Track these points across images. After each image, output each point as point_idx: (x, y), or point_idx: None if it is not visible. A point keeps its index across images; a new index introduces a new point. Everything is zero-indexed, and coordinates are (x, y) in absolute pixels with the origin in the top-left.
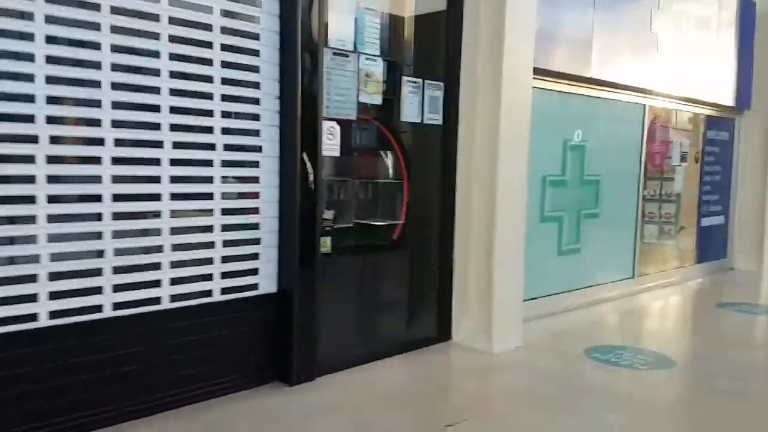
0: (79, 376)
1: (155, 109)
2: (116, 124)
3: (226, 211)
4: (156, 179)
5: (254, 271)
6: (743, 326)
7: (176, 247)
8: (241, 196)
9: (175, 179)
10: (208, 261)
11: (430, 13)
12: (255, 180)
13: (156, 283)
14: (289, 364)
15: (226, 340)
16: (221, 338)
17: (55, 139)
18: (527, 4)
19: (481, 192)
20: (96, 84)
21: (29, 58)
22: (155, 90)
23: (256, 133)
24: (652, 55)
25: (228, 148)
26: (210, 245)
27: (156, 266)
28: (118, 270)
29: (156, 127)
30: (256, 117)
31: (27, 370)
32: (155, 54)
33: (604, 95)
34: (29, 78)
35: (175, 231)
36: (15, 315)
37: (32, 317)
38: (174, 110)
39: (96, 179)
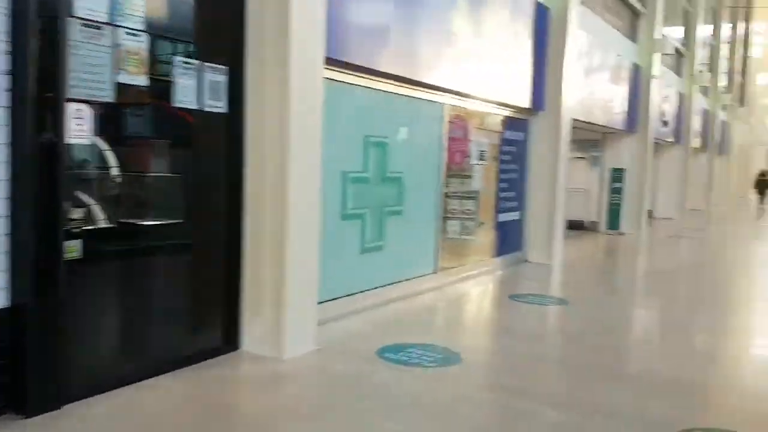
0: None
1: None
2: None
3: None
4: None
5: None
6: (532, 318)
7: None
8: None
9: None
10: None
11: None
12: None
13: None
14: (25, 393)
15: None
16: None
17: None
18: None
19: (273, 187)
20: None
21: None
22: None
23: None
24: (452, 55)
25: None
26: None
27: None
28: None
29: None
30: None
31: None
32: None
33: (404, 92)
34: None
35: None
36: None
37: None
38: None
39: None
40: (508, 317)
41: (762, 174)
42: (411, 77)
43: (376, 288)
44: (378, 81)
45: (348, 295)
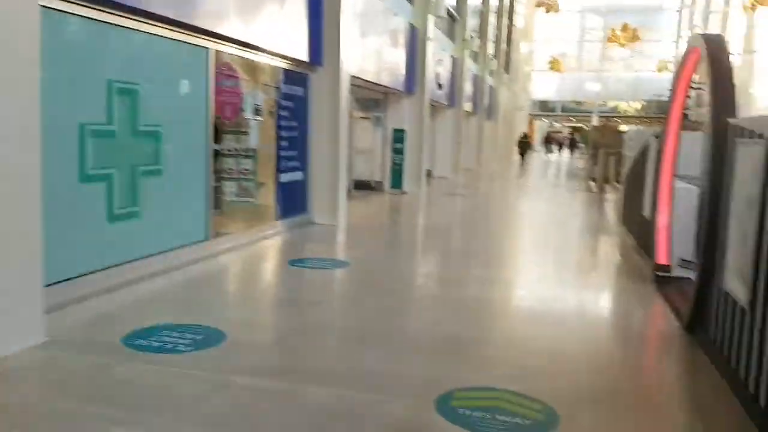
0: None
1: None
2: None
3: None
4: None
5: None
6: (311, 284)
7: None
8: None
9: None
10: None
11: None
12: None
13: None
14: None
15: None
16: None
17: None
18: None
19: None
20: None
21: None
22: None
23: None
24: None
25: None
26: None
27: None
28: None
29: None
30: None
31: None
32: None
33: (160, 32)
34: None
35: None
36: None
37: None
38: None
39: None
40: (285, 285)
41: (524, 136)
42: (168, 16)
43: (131, 261)
44: (125, 18)
45: (93, 272)
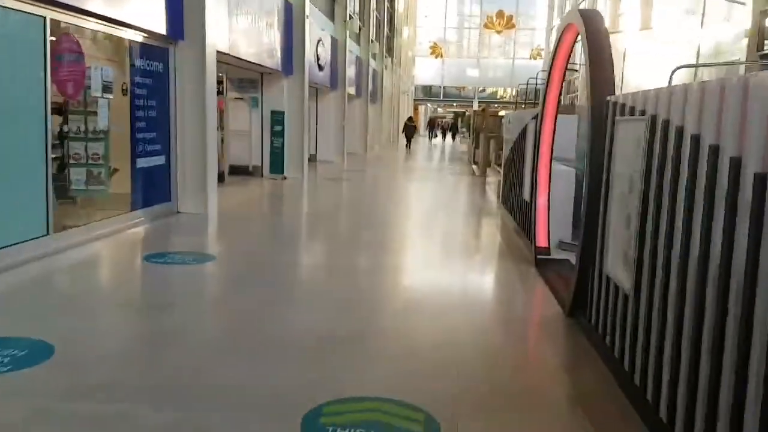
0: None
1: None
2: None
3: None
4: None
5: None
6: (167, 283)
7: None
8: None
9: None
10: None
11: None
12: None
13: None
14: None
15: None
16: None
17: None
18: None
19: None
20: None
21: None
22: None
23: None
24: None
25: None
26: None
27: None
28: None
29: None
30: None
31: None
32: None
33: None
34: None
35: None
36: None
37: None
38: None
39: None
40: (137, 285)
41: (410, 120)
42: None
43: None
44: None
45: None
